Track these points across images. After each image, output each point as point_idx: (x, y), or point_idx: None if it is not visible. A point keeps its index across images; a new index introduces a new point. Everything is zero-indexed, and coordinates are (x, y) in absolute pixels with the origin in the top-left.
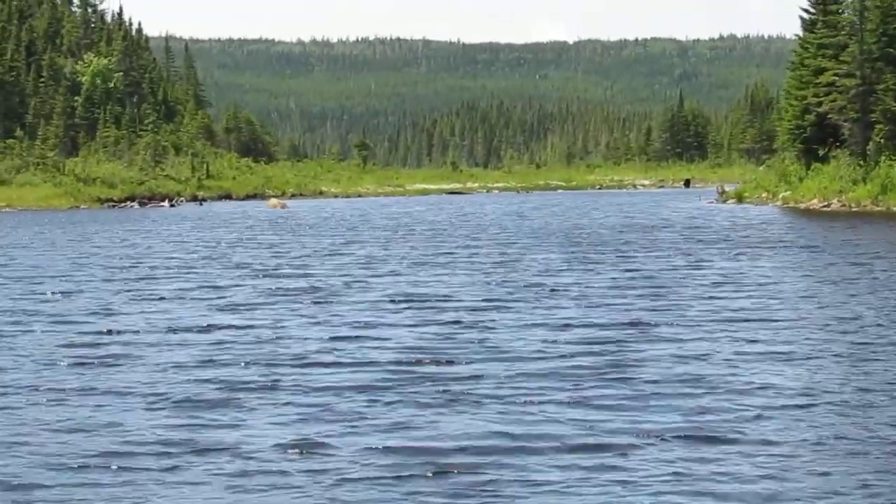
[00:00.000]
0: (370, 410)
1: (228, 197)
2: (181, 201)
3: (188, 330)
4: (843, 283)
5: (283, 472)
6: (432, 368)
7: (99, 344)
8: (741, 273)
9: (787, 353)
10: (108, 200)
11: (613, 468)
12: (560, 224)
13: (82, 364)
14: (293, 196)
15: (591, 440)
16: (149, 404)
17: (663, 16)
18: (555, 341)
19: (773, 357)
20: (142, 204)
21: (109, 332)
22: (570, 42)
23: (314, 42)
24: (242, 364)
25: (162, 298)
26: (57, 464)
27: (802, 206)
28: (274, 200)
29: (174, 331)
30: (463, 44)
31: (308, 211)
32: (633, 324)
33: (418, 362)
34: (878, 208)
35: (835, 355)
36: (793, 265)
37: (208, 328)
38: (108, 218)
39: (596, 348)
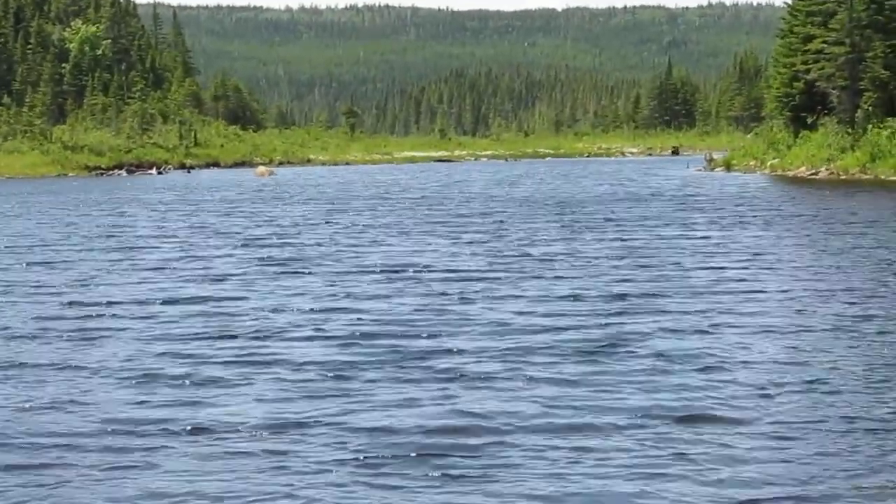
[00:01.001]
0: (350, 387)
1: (216, 165)
2: (169, 169)
3: (164, 302)
4: (834, 254)
5: (258, 454)
6: (415, 342)
7: (72, 317)
8: (732, 243)
9: (782, 327)
10: (95, 168)
11: (603, 449)
12: (549, 193)
13: (53, 338)
14: (281, 164)
15: (579, 419)
16: (120, 380)
17: None
18: (541, 314)
19: (768, 331)
20: (129, 172)
21: (84, 304)
22: (559, 10)
23: (302, 9)
24: (221, 337)
25: (140, 269)
26: (21, 444)
27: (790, 173)
28: (262, 168)
29: (150, 303)
30: (451, 11)
31: (295, 179)
32: (622, 296)
33: (401, 336)
34: (867, 176)
35: (831, 328)
36: (783, 235)
37: (186, 300)
38: (94, 186)
39: (583, 321)
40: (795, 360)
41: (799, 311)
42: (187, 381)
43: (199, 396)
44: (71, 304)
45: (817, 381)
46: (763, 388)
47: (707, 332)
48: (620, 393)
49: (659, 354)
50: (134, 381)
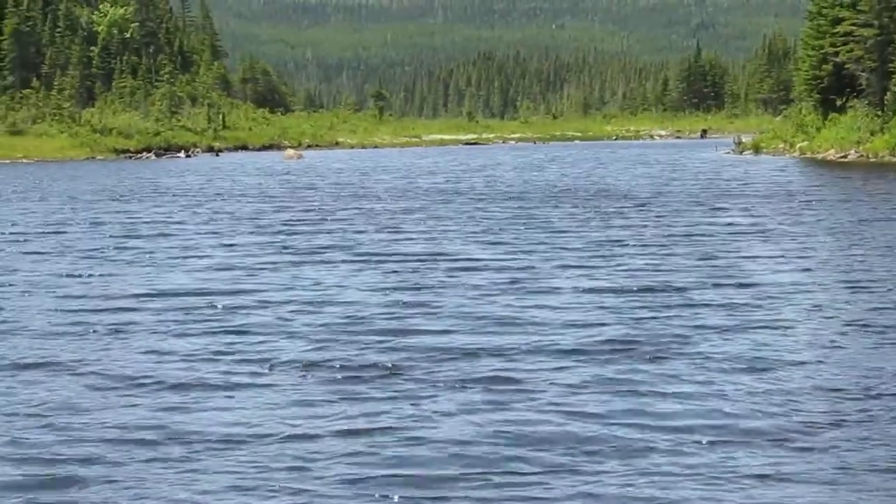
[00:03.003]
0: (355, 392)
1: (244, 148)
2: (197, 152)
3: (168, 296)
4: (875, 245)
5: (275, 462)
6: (426, 340)
7: (67, 311)
8: (769, 231)
9: (827, 324)
10: (124, 151)
11: (635, 473)
12: (578, 179)
13: (47, 335)
14: (309, 147)
15: (607, 437)
16: (107, 383)
17: None
18: (574, 310)
19: (816, 336)
20: (158, 155)
21: (82, 296)
22: None
23: None
24: (233, 334)
25: (155, 259)
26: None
27: (819, 156)
28: (290, 151)
29: (151, 297)
30: None
31: (323, 162)
32: (657, 290)
33: (409, 333)
34: None
35: (879, 326)
36: (821, 223)
37: (194, 293)
38: (122, 169)
39: (617, 318)
40: (841, 361)
41: (846, 307)
42: (195, 385)
43: (183, 401)
44: (68, 297)
45: (871, 384)
46: (810, 394)
47: (749, 331)
48: (652, 403)
49: (701, 356)
50: (134, 385)
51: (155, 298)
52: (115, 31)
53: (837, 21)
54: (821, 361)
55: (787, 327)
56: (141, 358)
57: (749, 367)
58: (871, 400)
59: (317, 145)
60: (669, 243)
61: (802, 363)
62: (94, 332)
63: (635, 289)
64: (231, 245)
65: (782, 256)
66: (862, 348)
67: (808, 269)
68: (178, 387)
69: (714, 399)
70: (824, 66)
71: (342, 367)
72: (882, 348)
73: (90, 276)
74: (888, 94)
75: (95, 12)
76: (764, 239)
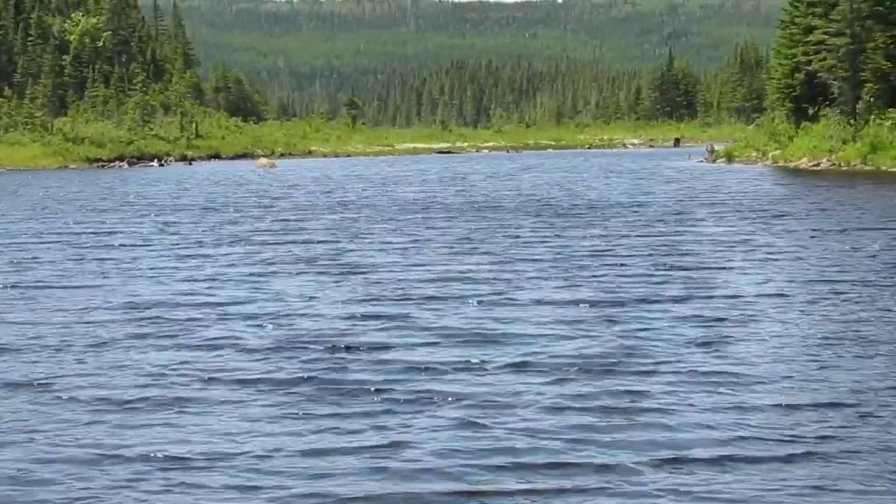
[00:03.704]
0: (317, 410)
1: (217, 156)
2: (170, 161)
3: (115, 308)
4: (849, 253)
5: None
6: (394, 356)
7: (20, 324)
8: (745, 241)
9: (806, 338)
10: (96, 160)
11: (609, 493)
12: (552, 189)
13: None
14: (282, 155)
15: (585, 459)
16: (55, 400)
17: None
18: (538, 324)
19: (791, 341)
20: (131, 164)
21: (37, 309)
22: (560, 1)
23: (303, 0)
24: (183, 349)
25: (117, 272)
26: None
27: (792, 165)
28: (263, 160)
29: (98, 310)
30: (452, 2)
31: (295, 171)
32: (628, 302)
33: (376, 349)
34: (868, 167)
35: (860, 339)
36: (798, 231)
37: (148, 305)
38: (95, 178)
39: (582, 333)
40: (825, 377)
41: (823, 318)
42: (148, 402)
43: (148, 419)
44: (24, 310)
45: (854, 402)
46: (793, 412)
47: (723, 344)
48: (631, 418)
49: (676, 371)
50: (86, 403)
51: (114, 311)
52: (88, 40)
53: (810, 30)
54: (794, 376)
55: (761, 341)
56: (95, 374)
57: (721, 383)
58: (851, 416)
59: (290, 154)
60: (642, 254)
61: (776, 379)
62: (47, 346)
63: (608, 302)
64: (197, 256)
65: (755, 266)
66: (837, 362)
67: (780, 280)
68: (130, 404)
69: (689, 416)
70: (797, 75)
71: (303, 383)
72: (858, 361)
73: (48, 288)
74: (860, 102)
75: (67, 21)
76: (736, 249)
